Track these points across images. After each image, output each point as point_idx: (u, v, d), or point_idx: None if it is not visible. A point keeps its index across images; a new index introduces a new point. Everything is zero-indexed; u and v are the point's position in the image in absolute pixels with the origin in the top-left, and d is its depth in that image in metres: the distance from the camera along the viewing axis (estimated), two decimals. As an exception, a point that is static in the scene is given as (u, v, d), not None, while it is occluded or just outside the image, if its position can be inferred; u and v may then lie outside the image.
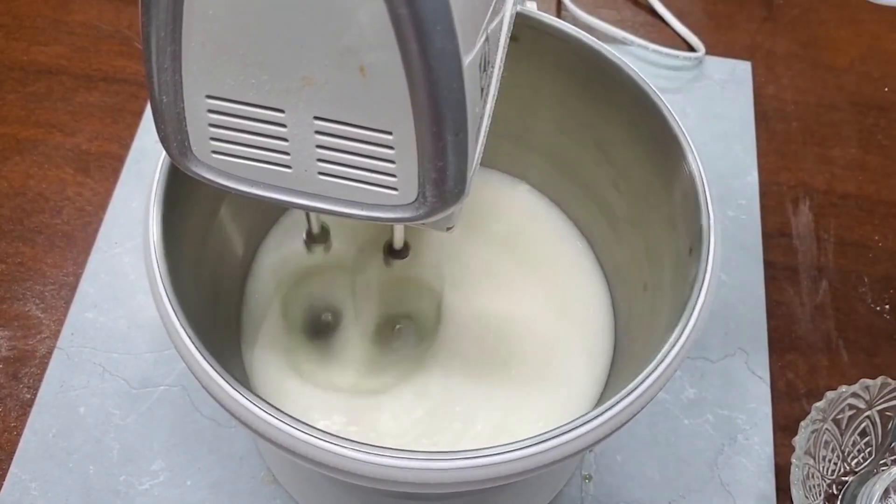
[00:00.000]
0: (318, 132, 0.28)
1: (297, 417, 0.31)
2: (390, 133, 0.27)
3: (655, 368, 0.33)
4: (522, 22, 0.42)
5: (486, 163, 0.53)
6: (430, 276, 0.46)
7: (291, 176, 0.29)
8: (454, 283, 0.49)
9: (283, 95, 0.27)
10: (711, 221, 0.37)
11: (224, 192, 0.30)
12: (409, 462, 0.30)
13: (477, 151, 0.31)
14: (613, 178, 0.47)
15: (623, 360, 0.46)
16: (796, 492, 0.44)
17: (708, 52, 0.68)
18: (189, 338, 0.33)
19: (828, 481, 0.47)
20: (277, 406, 0.31)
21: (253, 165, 0.29)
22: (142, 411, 0.50)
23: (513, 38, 0.37)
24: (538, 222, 0.52)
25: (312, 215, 0.41)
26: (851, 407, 0.47)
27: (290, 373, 0.46)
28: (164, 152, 0.31)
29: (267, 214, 0.50)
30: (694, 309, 0.34)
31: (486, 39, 0.30)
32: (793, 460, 0.45)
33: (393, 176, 0.28)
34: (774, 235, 0.59)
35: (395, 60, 0.25)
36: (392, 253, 0.42)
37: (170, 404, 0.50)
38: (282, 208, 0.50)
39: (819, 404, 0.46)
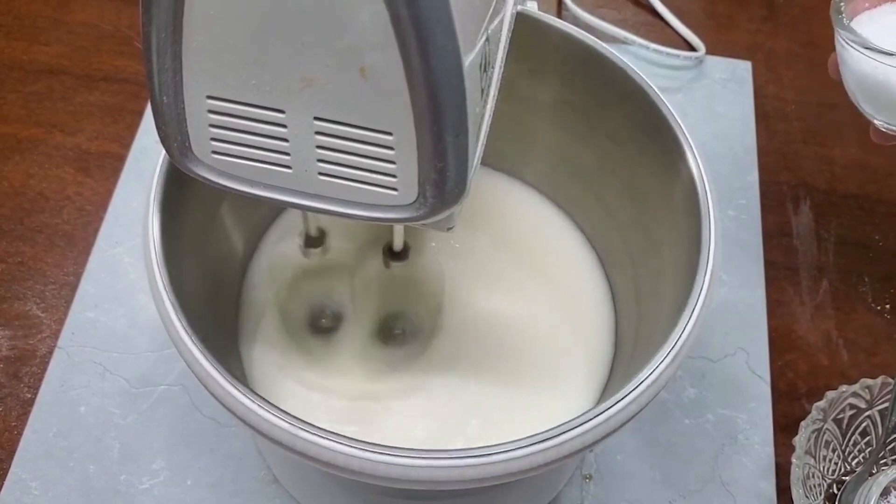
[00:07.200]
0: (318, 133, 0.28)
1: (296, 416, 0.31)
2: (390, 134, 0.27)
3: (656, 368, 0.33)
4: (523, 22, 0.42)
5: (486, 163, 0.53)
6: (429, 276, 0.46)
7: (291, 176, 0.29)
8: (454, 283, 0.49)
9: (283, 96, 0.27)
10: (712, 221, 0.37)
11: (224, 192, 0.30)
12: (408, 461, 0.30)
13: (477, 152, 0.31)
14: (614, 177, 0.47)
15: (623, 360, 0.46)
16: (796, 491, 0.44)
17: (708, 52, 0.68)
18: (188, 336, 0.33)
19: (828, 481, 0.47)
20: (276, 405, 0.31)
21: (253, 166, 0.29)
22: (142, 411, 0.50)
23: (513, 38, 0.37)
24: (538, 222, 0.52)
25: (310, 218, 0.41)
26: (852, 406, 0.47)
27: (289, 372, 0.46)
28: (163, 152, 0.31)
29: (267, 213, 0.50)
30: (694, 309, 0.34)
31: (487, 40, 0.30)
32: (793, 460, 0.45)
33: (393, 176, 0.28)
34: (775, 235, 0.59)
35: (396, 61, 0.25)
36: (392, 254, 0.42)
37: (170, 404, 0.50)
38: (282, 207, 0.50)
39: (819, 404, 0.46)
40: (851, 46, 0.41)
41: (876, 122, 0.44)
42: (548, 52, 0.44)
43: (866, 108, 0.43)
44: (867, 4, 0.42)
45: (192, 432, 0.49)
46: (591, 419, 0.32)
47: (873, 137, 0.45)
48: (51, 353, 0.51)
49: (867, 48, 0.40)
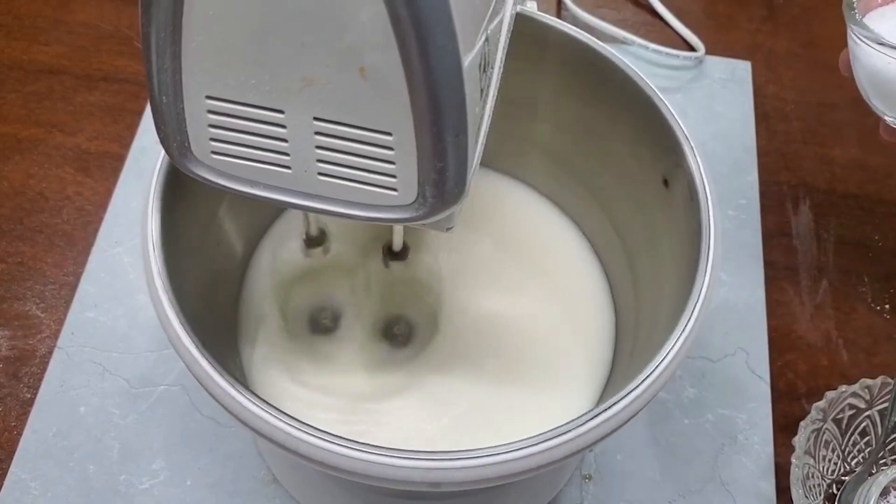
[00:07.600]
0: (317, 133, 0.28)
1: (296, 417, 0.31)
2: (390, 134, 0.27)
3: (655, 368, 0.33)
4: (522, 22, 0.42)
5: (485, 163, 0.53)
6: (429, 276, 0.46)
7: (291, 176, 0.29)
8: (454, 283, 0.49)
9: (283, 96, 0.27)
10: (712, 220, 0.37)
11: (223, 192, 0.30)
12: (408, 462, 0.30)
13: (477, 152, 0.31)
14: (613, 177, 0.47)
15: (623, 360, 0.46)
16: (796, 492, 0.44)
17: (708, 52, 0.68)
18: (187, 337, 0.33)
19: (828, 481, 0.47)
20: (276, 406, 0.31)
21: (252, 166, 0.29)
22: (142, 411, 0.50)
23: (513, 39, 0.37)
24: (538, 222, 0.52)
25: (311, 218, 0.41)
26: (851, 406, 0.47)
27: (289, 373, 0.46)
28: (163, 152, 0.31)
29: (267, 213, 0.50)
30: (694, 308, 0.34)
31: (486, 40, 0.30)
32: (793, 460, 0.45)
33: (393, 177, 0.28)
34: (775, 235, 0.59)
35: (395, 61, 0.25)
36: (391, 254, 0.42)
37: (170, 404, 0.50)
38: (282, 208, 0.50)
39: (819, 404, 0.46)
40: (864, 42, 0.41)
41: (887, 118, 0.43)
42: (547, 53, 0.44)
43: (878, 104, 0.43)
44: (880, 1, 0.42)
45: (191, 432, 0.49)
46: (591, 419, 0.32)
47: (883, 134, 0.45)
48: (50, 353, 0.51)
49: (880, 44, 0.40)
